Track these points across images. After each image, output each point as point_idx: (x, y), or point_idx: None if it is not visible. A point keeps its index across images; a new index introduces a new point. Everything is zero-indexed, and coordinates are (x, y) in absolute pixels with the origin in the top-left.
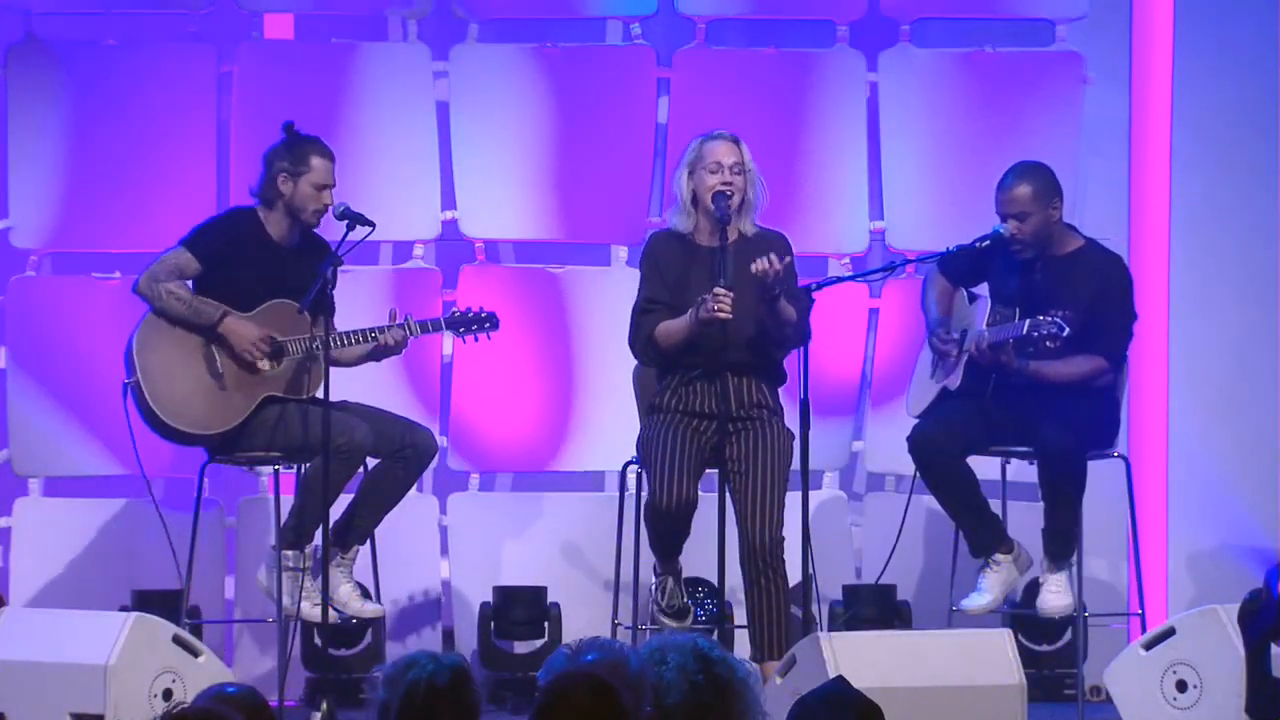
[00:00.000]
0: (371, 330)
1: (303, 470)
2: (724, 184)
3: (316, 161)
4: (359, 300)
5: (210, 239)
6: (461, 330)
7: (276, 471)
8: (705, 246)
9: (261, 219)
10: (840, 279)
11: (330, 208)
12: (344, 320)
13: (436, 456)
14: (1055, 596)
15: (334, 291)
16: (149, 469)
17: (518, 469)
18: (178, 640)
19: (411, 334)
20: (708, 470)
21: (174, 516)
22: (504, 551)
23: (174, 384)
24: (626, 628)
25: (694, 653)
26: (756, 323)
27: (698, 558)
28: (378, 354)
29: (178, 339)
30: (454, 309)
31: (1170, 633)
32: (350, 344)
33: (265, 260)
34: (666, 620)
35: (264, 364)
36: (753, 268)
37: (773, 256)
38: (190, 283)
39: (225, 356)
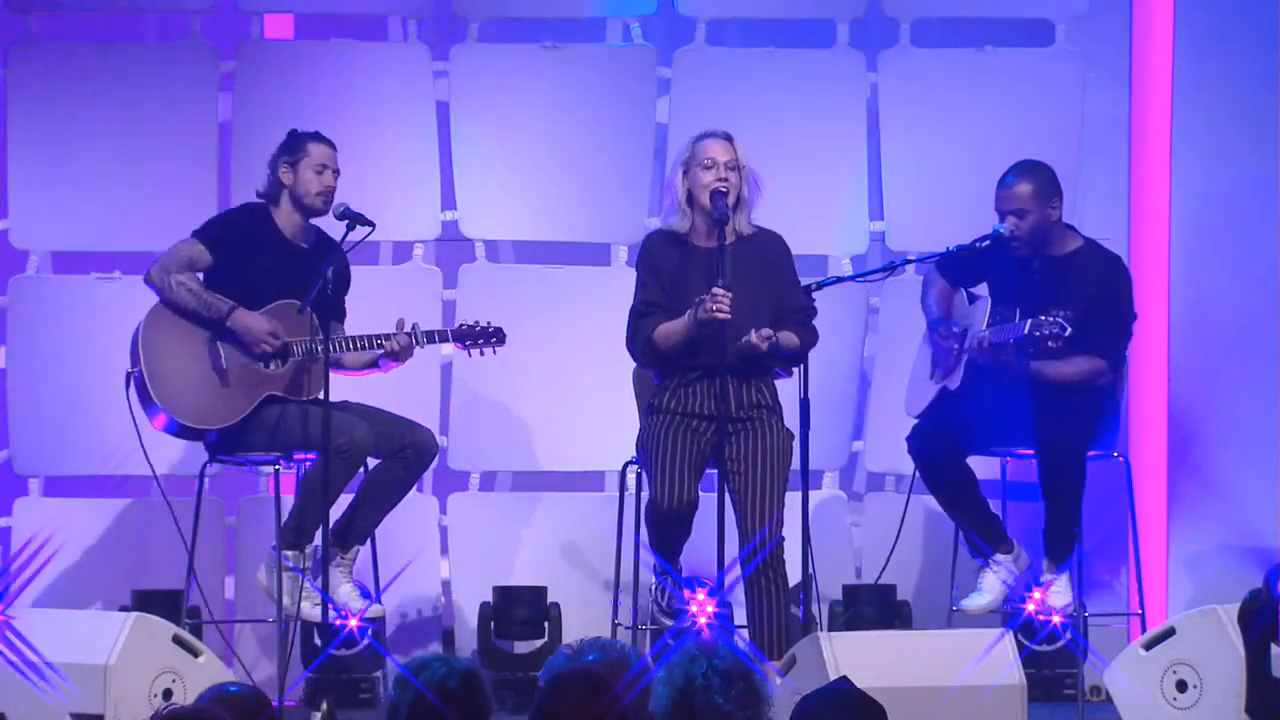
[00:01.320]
0: (377, 337)
1: (303, 470)
2: (719, 180)
3: (313, 146)
4: (359, 300)
5: (222, 230)
6: (468, 343)
7: (276, 471)
8: (702, 247)
9: (273, 215)
10: (840, 279)
11: (335, 194)
12: (346, 322)
13: (437, 456)
14: (1056, 596)
15: (345, 294)
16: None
17: (518, 469)
18: (178, 640)
19: (418, 344)
20: (708, 470)
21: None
22: (504, 551)
23: (176, 376)
24: (626, 628)
25: (686, 671)
26: (755, 321)
27: (698, 558)
28: (382, 361)
29: (184, 332)
30: (461, 322)
31: (1170, 633)
32: (354, 349)
33: (276, 255)
34: (666, 620)
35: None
36: (740, 344)
37: (755, 335)
38: (200, 275)
39: (230, 353)
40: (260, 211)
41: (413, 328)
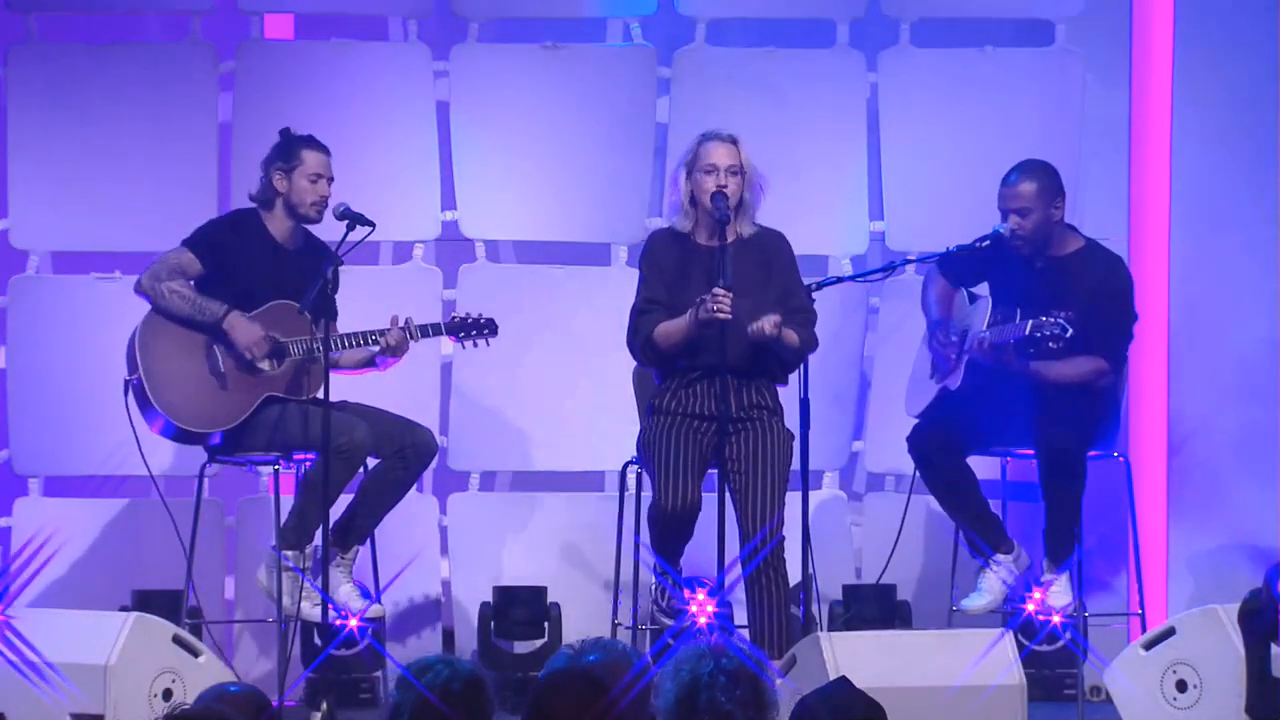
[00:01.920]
0: (372, 333)
1: (303, 470)
2: (718, 186)
3: (308, 154)
4: (359, 300)
5: (212, 238)
6: (461, 335)
7: (276, 471)
8: (704, 246)
9: (263, 220)
10: (840, 279)
11: (329, 201)
12: (344, 321)
13: (436, 456)
14: (1056, 596)
15: (335, 294)
16: (149, 468)
17: (517, 469)
18: (178, 640)
19: (412, 338)
20: (708, 470)
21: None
22: (504, 551)
23: (175, 381)
24: (626, 628)
25: (693, 668)
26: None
27: (698, 558)
28: (379, 359)
29: (180, 337)
30: (454, 314)
31: (1170, 633)
32: (350, 346)
33: (267, 260)
34: (666, 620)
35: (265, 364)
36: (750, 330)
37: (766, 322)
38: (193, 282)
39: (227, 355)
40: (250, 216)
41: (406, 322)
